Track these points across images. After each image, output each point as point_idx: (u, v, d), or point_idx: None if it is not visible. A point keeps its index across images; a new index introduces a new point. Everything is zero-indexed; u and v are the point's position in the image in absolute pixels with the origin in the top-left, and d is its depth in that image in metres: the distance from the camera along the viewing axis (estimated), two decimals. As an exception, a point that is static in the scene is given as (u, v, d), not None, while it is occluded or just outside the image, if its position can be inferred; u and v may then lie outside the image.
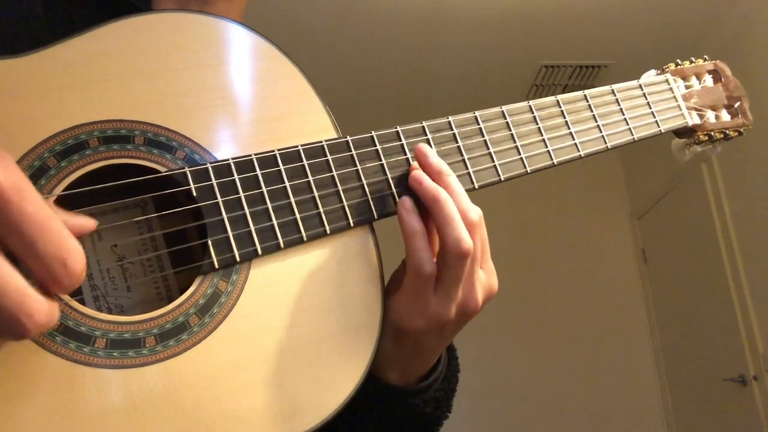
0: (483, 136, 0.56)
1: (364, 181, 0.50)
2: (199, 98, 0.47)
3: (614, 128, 0.64)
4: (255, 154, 0.47)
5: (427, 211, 0.49)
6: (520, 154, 0.57)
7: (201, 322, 0.43)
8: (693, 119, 0.71)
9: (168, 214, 0.46)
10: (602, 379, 3.64)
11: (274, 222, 0.46)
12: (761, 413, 2.81)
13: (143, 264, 0.47)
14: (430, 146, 0.54)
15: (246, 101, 0.50)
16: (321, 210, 0.48)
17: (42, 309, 0.32)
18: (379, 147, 0.52)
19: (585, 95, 0.63)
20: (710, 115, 0.71)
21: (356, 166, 0.51)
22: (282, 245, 0.46)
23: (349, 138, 0.51)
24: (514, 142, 0.58)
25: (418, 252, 0.48)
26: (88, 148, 0.43)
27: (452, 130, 0.55)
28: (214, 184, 0.45)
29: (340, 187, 0.50)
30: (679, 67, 0.74)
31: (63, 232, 0.33)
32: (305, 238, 0.47)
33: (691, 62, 0.75)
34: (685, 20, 2.91)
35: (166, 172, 0.44)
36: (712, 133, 0.71)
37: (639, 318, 3.82)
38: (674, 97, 0.71)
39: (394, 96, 3.43)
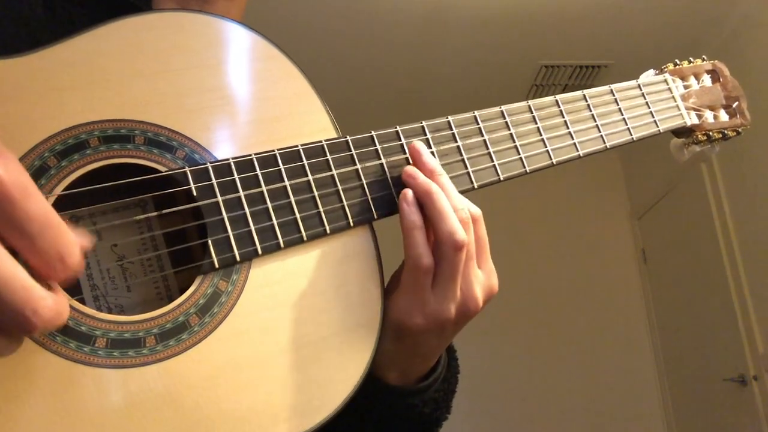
0: (482, 136, 0.56)
1: (364, 181, 0.51)
2: (200, 98, 0.47)
3: (613, 128, 0.64)
4: (255, 154, 0.47)
5: (421, 206, 0.49)
6: (519, 153, 0.58)
7: (201, 322, 0.43)
8: (691, 119, 0.71)
9: (168, 214, 0.46)
10: (602, 379, 3.64)
11: (274, 221, 0.46)
12: (761, 413, 2.81)
13: (143, 264, 0.47)
14: (430, 146, 0.54)
15: (246, 101, 0.50)
16: (321, 209, 0.48)
17: (47, 304, 0.32)
18: (378, 146, 0.52)
19: (584, 95, 0.63)
20: (708, 115, 0.72)
21: (356, 166, 0.51)
22: (282, 245, 0.46)
23: (348, 138, 0.51)
24: (514, 141, 0.58)
25: (416, 245, 0.48)
26: (89, 148, 0.43)
27: (451, 129, 0.55)
28: (214, 184, 0.45)
29: (339, 187, 0.50)
30: (677, 67, 0.74)
31: (62, 229, 0.33)
32: (305, 238, 0.47)
33: (690, 62, 0.75)
34: (685, 20, 2.91)
35: (166, 171, 0.45)
36: (711, 133, 0.71)
37: (639, 318, 3.82)
38: (673, 97, 0.71)
39: (394, 96, 3.43)
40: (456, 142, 0.55)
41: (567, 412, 3.54)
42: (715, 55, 0.81)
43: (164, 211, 0.46)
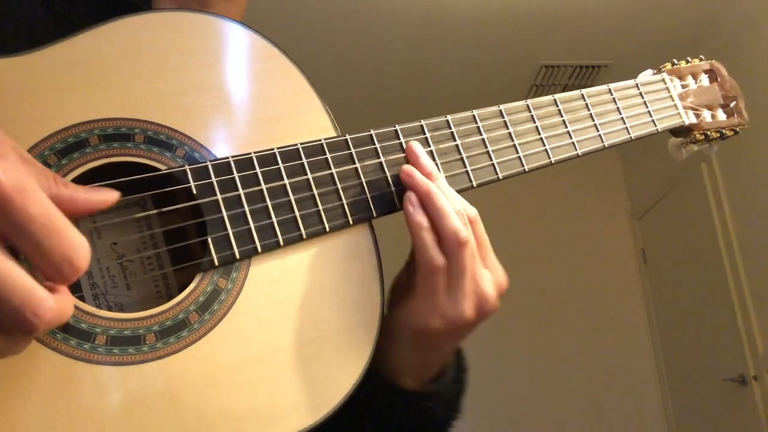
0: (481, 135, 0.56)
1: (363, 179, 0.51)
2: (199, 97, 0.47)
3: (611, 127, 0.64)
4: (255, 152, 0.47)
5: (421, 206, 0.49)
6: (517, 152, 0.58)
7: (201, 320, 0.43)
8: (689, 118, 0.71)
9: (168, 212, 0.46)
10: (602, 379, 3.64)
11: (274, 220, 0.47)
12: (761, 413, 2.81)
13: (143, 262, 0.47)
14: (428, 145, 0.54)
15: (245, 100, 0.50)
16: (320, 208, 0.49)
17: (48, 306, 0.32)
18: (378, 145, 0.52)
19: (582, 94, 0.63)
20: (706, 115, 0.72)
21: (355, 164, 0.51)
22: (282, 243, 0.46)
23: (348, 136, 0.51)
24: (512, 140, 0.58)
25: (427, 246, 0.48)
26: (89, 146, 0.43)
27: (450, 128, 0.55)
28: (214, 182, 0.45)
29: (339, 185, 0.50)
30: (675, 66, 0.74)
31: (68, 230, 0.33)
32: (305, 236, 0.47)
33: (688, 62, 0.75)
34: (685, 20, 2.91)
35: (166, 169, 0.45)
36: (709, 133, 0.71)
37: (639, 318, 3.82)
38: (671, 96, 0.71)
39: (393, 96, 3.43)
40: (455, 141, 0.55)
41: (567, 412, 3.54)
42: (715, 55, 0.81)
43: (164, 209, 0.46)
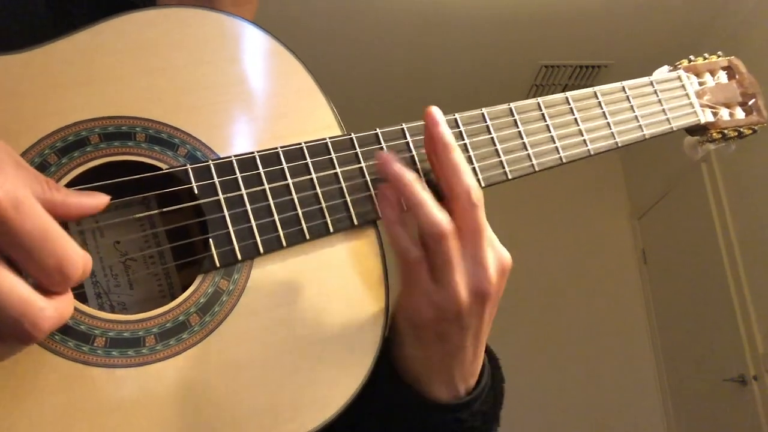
0: (490, 134, 0.55)
1: (368, 179, 0.50)
2: (201, 95, 0.47)
3: (624, 125, 0.63)
4: (257, 152, 0.47)
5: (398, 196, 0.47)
6: (527, 151, 0.56)
7: (202, 322, 0.42)
8: (706, 117, 0.69)
9: (170, 212, 0.45)
10: (602, 379, 3.64)
11: (277, 220, 0.46)
12: (761, 413, 2.81)
13: (146, 261, 0.47)
14: None
15: (249, 98, 0.49)
16: (324, 208, 0.48)
17: (46, 315, 0.32)
18: (384, 144, 0.51)
19: (595, 92, 0.62)
20: (724, 113, 0.70)
21: (360, 164, 0.50)
22: (284, 244, 0.46)
23: (353, 135, 0.50)
24: (522, 139, 0.57)
25: (398, 240, 0.46)
26: (89, 145, 0.42)
27: (459, 127, 0.54)
28: (216, 182, 0.45)
29: (344, 185, 0.49)
30: (692, 63, 0.72)
31: (61, 240, 0.34)
32: (308, 237, 0.46)
33: (705, 58, 0.73)
34: (685, 20, 2.92)
35: (167, 169, 0.44)
36: (726, 131, 0.70)
37: (639, 318, 3.82)
38: (687, 94, 0.69)
39: (393, 96, 3.43)
40: (463, 140, 0.54)
41: (567, 412, 3.54)
42: (715, 55, 0.80)
43: (165, 209, 0.45)
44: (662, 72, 0.70)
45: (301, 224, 0.47)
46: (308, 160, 0.48)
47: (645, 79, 0.67)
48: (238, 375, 0.42)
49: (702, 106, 0.69)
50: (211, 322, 0.43)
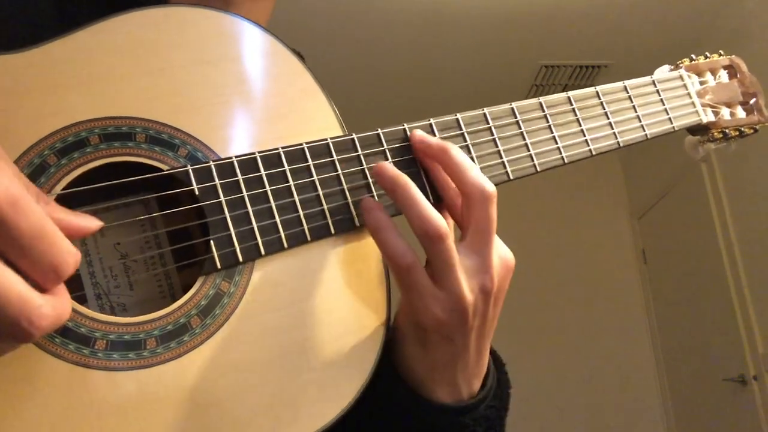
0: (492, 135, 0.55)
1: (370, 180, 0.49)
2: (202, 95, 0.46)
3: (626, 125, 0.63)
4: (258, 152, 0.46)
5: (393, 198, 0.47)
6: (529, 152, 0.56)
7: (203, 324, 0.42)
8: (707, 116, 0.69)
9: (171, 213, 0.45)
10: (602, 378, 3.64)
11: (278, 222, 0.45)
12: (761, 413, 2.81)
13: (146, 262, 0.46)
14: None
15: (250, 98, 0.48)
16: (326, 209, 0.47)
17: (43, 313, 0.32)
18: (386, 146, 0.51)
19: (597, 92, 0.62)
20: (725, 112, 0.70)
21: (362, 165, 0.49)
22: (286, 245, 0.45)
23: (354, 135, 0.50)
24: (524, 140, 0.56)
25: (386, 246, 0.45)
26: (89, 146, 0.42)
27: (461, 128, 0.54)
28: (217, 183, 0.44)
29: (345, 186, 0.48)
30: (693, 62, 0.72)
31: (55, 241, 0.33)
32: (309, 238, 0.46)
33: (706, 57, 0.73)
34: (685, 20, 2.92)
35: (168, 170, 0.44)
36: (727, 131, 0.69)
37: (639, 318, 3.82)
38: (688, 93, 0.69)
39: (393, 96, 3.43)
40: (465, 141, 0.54)
41: (567, 412, 3.54)
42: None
43: (166, 212, 0.45)
44: (663, 71, 0.70)
45: (302, 225, 0.46)
46: (310, 161, 0.48)
47: (646, 79, 0.67)
48: (239, 377, 0.42)
49: (703, 105, 0.69)
50: (212, 325, 0.42)
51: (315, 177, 0.48)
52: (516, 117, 0.57)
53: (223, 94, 0.47)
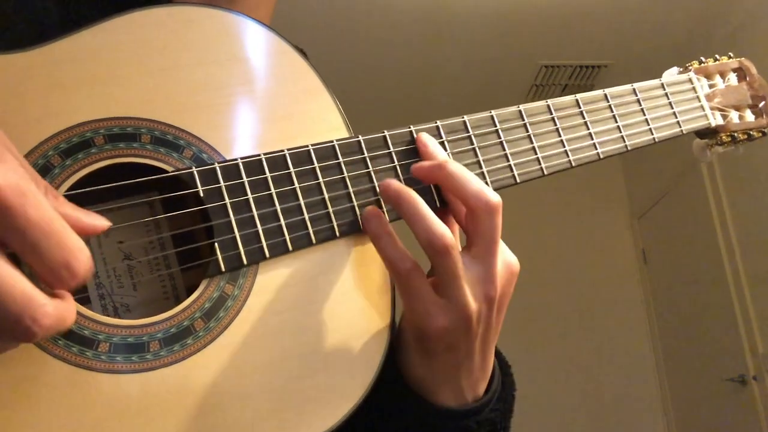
0: (499, 138, 0.54)
1: (376, 183, 0.49)
2: (208, 95, 0.46)
3: (634, 129, 0.62)
4: (264, 154, 0.46)
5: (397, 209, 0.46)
6: (536, 155, 0.56)
7: (206, 327, 0.42)
8: (716, 120, 0.69)
9: (176, 214, 0.45)
10: (602, 378, 3.65)
11: (283, 224, 0.45)
12: (761, 413, 2.81)
13: (150, 263, 0.46)
14: (445, 148, 0.52)
15: (255, 98, 0.48)
16: (331, 212, 0.47)
17: (47, 312, 0.31)
18: (392, 150, 0.50)
19: (605, 95, 0.61)
20: (734, 116, 0.69)
21: (368, 168, 0.49)
22: (290, 248, 0.45)
23: (361, 138, 0.50)
24: (532, 143, 0.56)
25: (386, 251, 0.45)
26: (94, 147, 0.42)
27: (468, 131, 0.53)
28: (222, 185, 0.44)
29: (351, 189, 0.48)
30: (702, 65, 0.72)
31: (66, 234, 0.32)
32: (314, 241, 0.46)
33: (716, 60, 0.72)
34: (685, 20, 2.91)
35: (173, 171, 0.43)
36: (735, 134, 0.69)
37: (639, 318, 3.82)
38: (697, 96, 0.69)
39: (393, 96, 3.43)
40: (472, 144, 0.53)
41: (567, 412, 3.55)
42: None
43: (171, 214, 0.44)
44: (672, 74, 0.69)
45: (307, 229, 0.46)
46: (315, 163, 0.47)
47: (655, 82, 0.66)
48: (243, 381, 0.42)
49: (712, 108, 0.68)
50: (216, 328, 0.42)
51: (321, 180, 0.47)
52: (524, 120, 0.56)
53: (228, 95, 0.47)
